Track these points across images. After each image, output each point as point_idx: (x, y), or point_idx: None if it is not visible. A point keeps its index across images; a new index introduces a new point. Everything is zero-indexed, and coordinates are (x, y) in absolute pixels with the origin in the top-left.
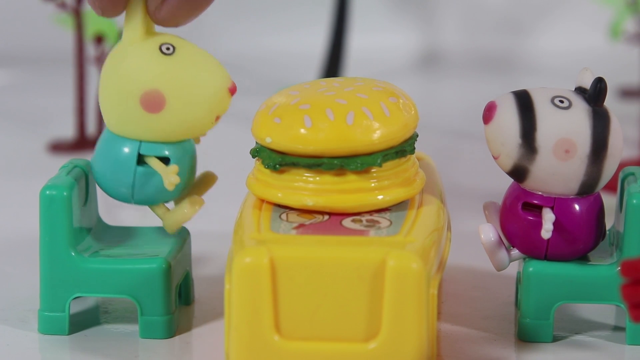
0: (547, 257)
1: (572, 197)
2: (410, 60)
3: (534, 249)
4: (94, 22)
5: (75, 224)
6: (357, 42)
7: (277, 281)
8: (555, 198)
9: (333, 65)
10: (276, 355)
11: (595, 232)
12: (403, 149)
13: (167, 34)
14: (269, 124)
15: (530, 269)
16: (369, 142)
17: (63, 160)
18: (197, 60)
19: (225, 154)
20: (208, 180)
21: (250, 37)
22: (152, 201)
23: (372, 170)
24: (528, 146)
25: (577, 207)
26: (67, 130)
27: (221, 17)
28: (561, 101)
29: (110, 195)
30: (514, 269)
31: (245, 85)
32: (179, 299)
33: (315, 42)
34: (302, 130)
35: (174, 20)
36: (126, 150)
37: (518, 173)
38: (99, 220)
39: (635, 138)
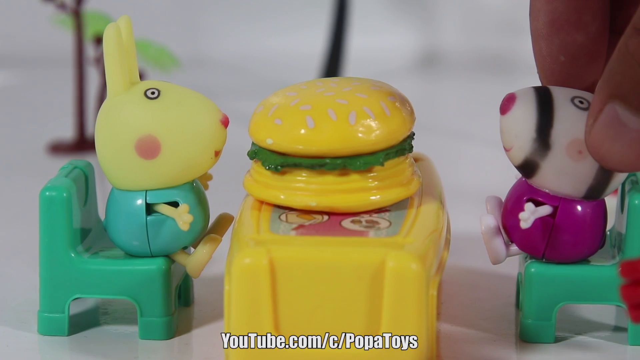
0: (544, 257)
1: (577, 199)
2: (410, 61)
3: (532, 248)
4: (93, 23)
5: (75, 225)
6: (356, 42)
7: (276, 282)
8: (560, 198)
9: (333, 66)
10: (276, 355)
11: (595, 239)
12: (403, 147)
13: (149, 80)
14: (269, 125)
15: (532, 269)
16: (371, 142)
17: (63, 161)
18: (184, 99)
19: (226, 155)
20: (224, 221)
21: (250, 38)
22: (170, 249)
23: (373, 169)
24: (542, 141)
25: (582, 210)
26: (67, 131)
27: (222, 19)
28: (581, 102)
29: (129, 252)
30: (513, 269)
31: (246, 86)
32: (178, 300)
33: (315, 42)
34: (305, 131)
35: None
36: (133, 202)
37: (528, 168)
38: (99, 221)
39: None
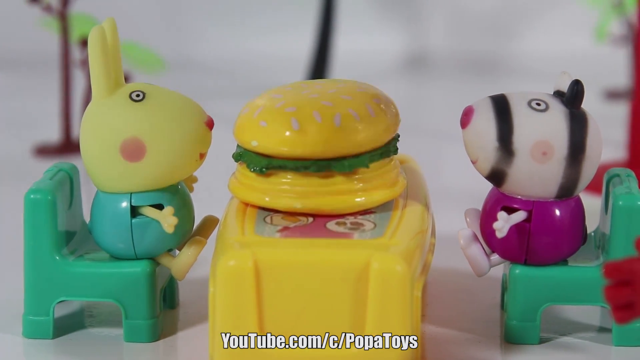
0: (526, 262)
1: (551, 200)
2: (397, 63)
3: (513, 254)
4: (79, 25)
5: (59, 228)
6: (343, 44)
7: (261, 284)
8: (534, 202)
9: (319, 68)
10: (261, 356)
11: (575, 237)
12: (387, 149)
13: (135, 83)
14: (254, 127)
15: (517, 271)
16: (357, 144)
17: (48, 164)
18: (169, 101)
19: (211, 157)
20: (209, 224)
21: (236, 40)
22: (155, 251)
23: (358, 171)
24: (505, 149)
25: (556, 210)
26: (53, 134)
27: (208, 21)
28: (538, 104)
29: (114, 254)
30: (498, 270)
31: (232, 88)
32: (163, 303)
33: (301, 45)
34: (290, 133)
35: None
36: (118, 205)
37: (496, 177)
38: (84, 223)
39: (621, 140)
